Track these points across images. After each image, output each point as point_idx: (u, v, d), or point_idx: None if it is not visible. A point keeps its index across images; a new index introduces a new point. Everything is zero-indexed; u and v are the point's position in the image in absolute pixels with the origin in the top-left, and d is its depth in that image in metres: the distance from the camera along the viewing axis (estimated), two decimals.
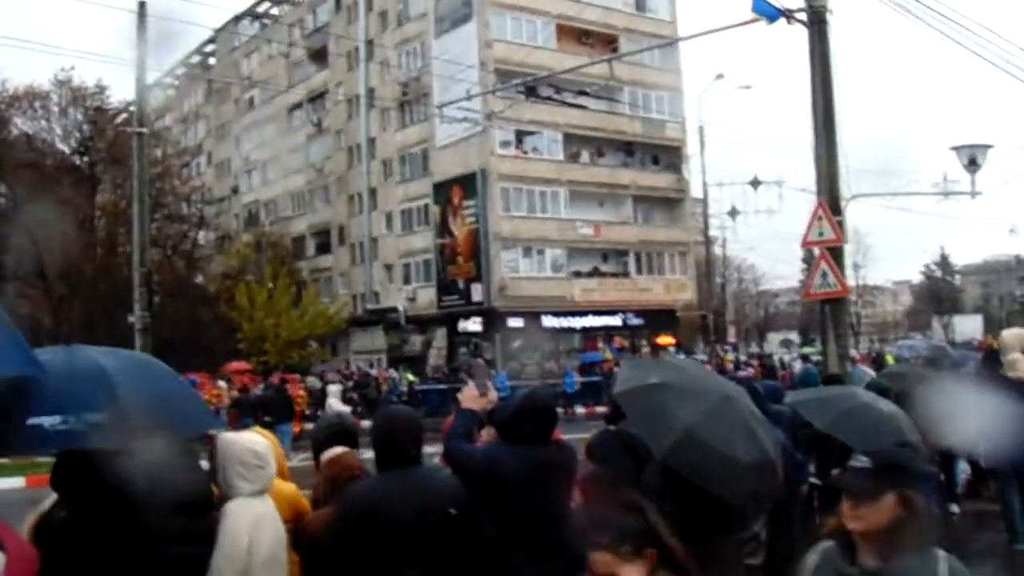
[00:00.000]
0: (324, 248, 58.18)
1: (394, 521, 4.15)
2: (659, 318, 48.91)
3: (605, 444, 5.83)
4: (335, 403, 18.45)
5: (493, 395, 5.17)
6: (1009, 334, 9.50)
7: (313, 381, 34.33)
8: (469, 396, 5.02)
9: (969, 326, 68.00)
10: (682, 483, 4.28)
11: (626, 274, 49.85)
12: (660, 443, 4.44)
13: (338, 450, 5.01)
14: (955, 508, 10.77)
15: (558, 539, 4.64)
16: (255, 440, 4.39)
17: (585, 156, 49.68)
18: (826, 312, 13.35)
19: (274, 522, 4.33)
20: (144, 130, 21.77)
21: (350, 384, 36.58)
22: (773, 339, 62.56)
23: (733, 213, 49.34)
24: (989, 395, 5.96)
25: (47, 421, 3.42)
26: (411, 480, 4.32)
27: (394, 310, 49.97)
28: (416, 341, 48.64)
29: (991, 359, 10.62)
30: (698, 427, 4.45)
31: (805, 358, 31.40)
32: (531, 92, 42.51)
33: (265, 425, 12.07)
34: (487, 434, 5.48)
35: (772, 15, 13.60)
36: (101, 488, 3.47)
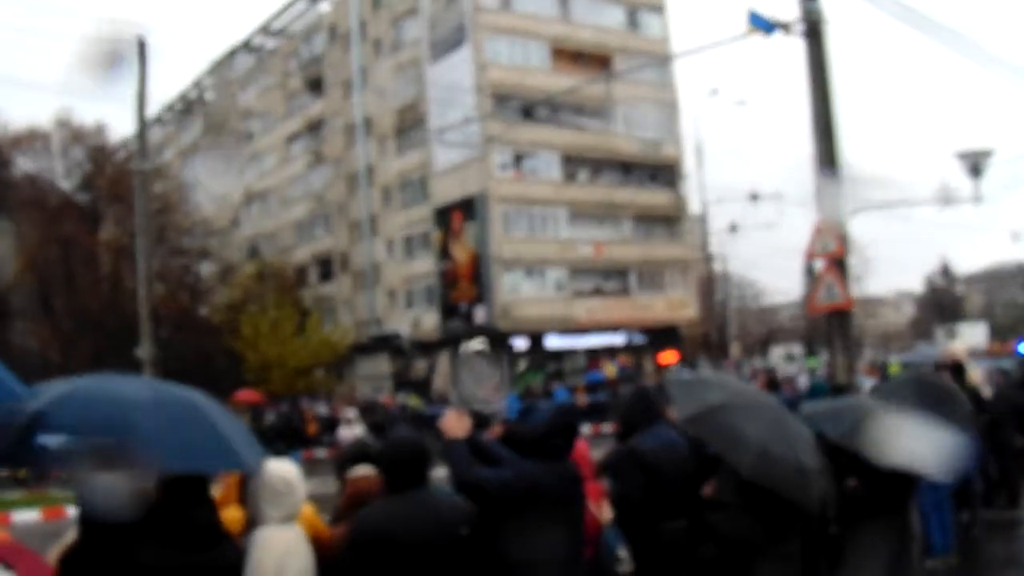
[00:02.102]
0: (326, 276, 58.28)
1: (405, 543, 4.23)
2: (662, 335, 48.93)
3: (620, 461, 5.88)
4: (351, 429, 18.51)
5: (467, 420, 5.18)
6: (964, 347, 9.59)
7: (321, 408, 34.45)
8: (453, 425, 5.01)
9: (975, 334, 67.81)
10: (759, 495, 4.62)
11: (628, 292, 49.92)
12: (741, 461, 4.76)
13: (363, 470, 5.07)
14: (966, 516, 10.82)
15: (582, 553, 4.74)
16: (284, 468, 4.45)
17: (583, 176, 49.82)
18: (832, 324, 13.43)
19: (303, 551, 4.39)
20: (147, 167, 21.90)
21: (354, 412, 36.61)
22: (775, 352, 62.54)
23: (732, 229, 49.47)
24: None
25: (53, 440, 3.43)
26: (420, 502, 4.40)
27: (397, 336, 50.03)
28: (421, 366, 48.68)
29: (958, 372, 10.71)
30: (770, 443, 4.79)
31: (811, 371, 31.42)
32: (528, 114, 42.73)
33: (277, 453, 12.12)
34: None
35: (768, 28, 13.71)
36: (113, 522, 3.50)
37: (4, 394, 3.32)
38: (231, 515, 4.48)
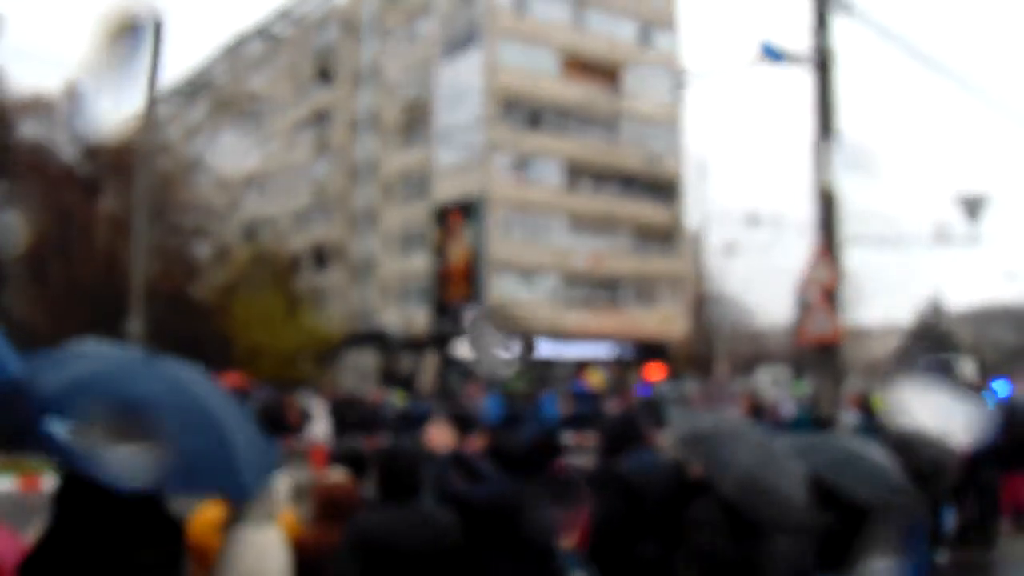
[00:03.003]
0: (321, 265, 58.29)
1: (405, 553, 4.29)
2: (650, 350, 48.99)
3: (603, 483, 5.94)
4: (316, 425, 17.82)
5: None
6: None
7: (307, 398, 34.31)
8: (438, 437, 5.02)
9: (964, 369, 67.67)
10: (742, 519, 4.78)
11: (619, 305, 49.99)
12: (725, 483, 4.92)
13: (337, 476, 5.05)
14: (943, 557, 10.86)
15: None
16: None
17: (584, 186, 49.91)
18: (820, 355, 13.51)
19: (280, 553, 4.41)
20: (151, 142, 21.91)
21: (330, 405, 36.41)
22: (762, 374, 62.36)
23: (729, 250, 49.56)
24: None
25: (62, 428, 3.27)
26: (417, 512, 4.47)
27: (388, 330, 50.09)
28: (408, 362, 48.71)
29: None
30: (756, 468, 4.94)
31: (797, 399, 31.40)
32: (533, 121, 42.78)
33: None
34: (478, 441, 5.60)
35: (778, 58, 13.83)
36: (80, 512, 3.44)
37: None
38: (209, 515, 4.47)
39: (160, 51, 20.57)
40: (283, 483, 4.62)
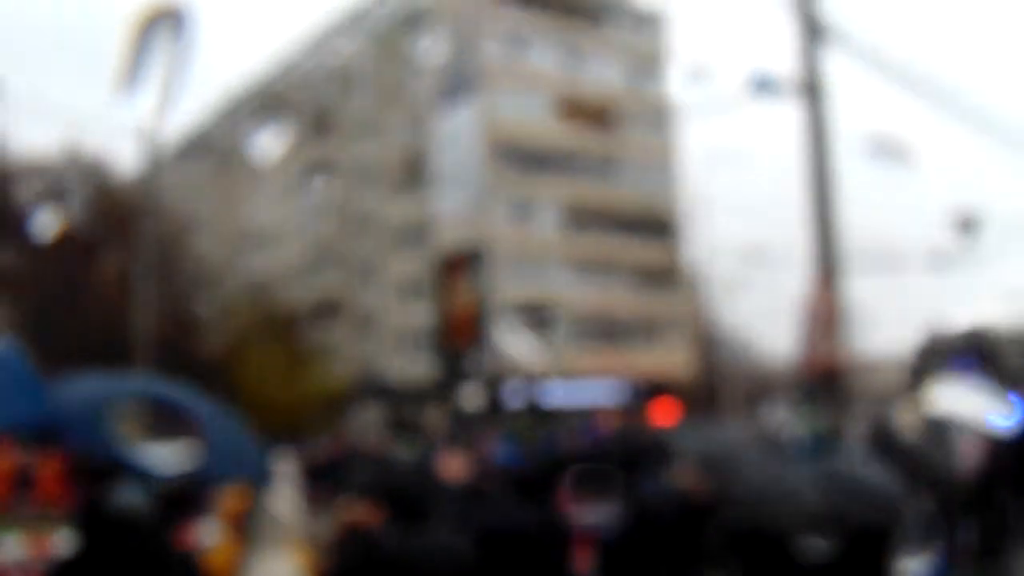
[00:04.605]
0: (324, 319, 58.31)
1: None
2: (657, 390, 48.91)
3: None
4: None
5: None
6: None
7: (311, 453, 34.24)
8: (454, 467, 5.04)
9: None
10: (751, 541, 4.71)
11: (624, 346, 49.98)
12: (735, 506, 4.91)
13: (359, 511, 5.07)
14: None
15: None
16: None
17: (583, 229, 50.07)
18: (824, 384, 13.53)
19: None
20: (150, 209, 22.02)
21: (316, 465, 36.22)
22: (765, 406, 62.17)
23: (731, 288, 49.60)
24: None
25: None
26: (431, 538, 4.43)
27: (393, 381, 50.05)
28: (416, 412, 48.62)
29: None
30: (765, 487, 4.93)
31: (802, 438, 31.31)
32: (531, 166, 43.02)
33: None
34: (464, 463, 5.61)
35: (771, 91, 13.96)
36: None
37: (29, 400, 3.39)
38: (224, 547, 4.53)
39: (161, 112, 20.67)
40: (303, 520, 4.66)
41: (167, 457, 3.41)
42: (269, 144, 62.48)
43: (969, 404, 5.58)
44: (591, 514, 5.34)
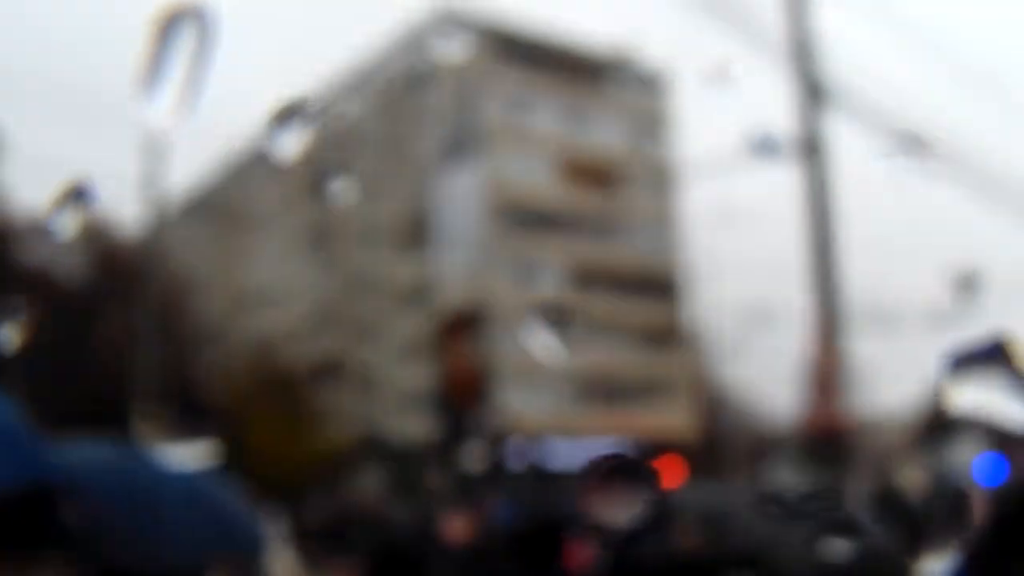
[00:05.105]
0: (326, 379, 58.20)
1: None
2: (659, 450, 48.72)
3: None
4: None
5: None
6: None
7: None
8: (457, 529, 5.02)
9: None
10: None
11: (626, 406, 49.88)
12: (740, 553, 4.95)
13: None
14: None
15: None
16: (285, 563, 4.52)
17: (585, 289, 50.16)
18: (825, 444, 13.48)
19: None
20: (153, 267, 22.10)
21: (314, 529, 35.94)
22: (767, 466, 61.82)
23: (733, 349, 49.54)
24: None
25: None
26: None
27: (395, 441, 49.85)
28: (416, 473, 48.39)
29: None
30: (766, 535, 4.97)
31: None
32: (532, 227, 43.18)
33: None
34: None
35: (771, 151, 14.05)
36: None
37: (24, 460, 3.33)
38: None
39: (161, 172, 20.88)
40: (292, 566, 4.65)
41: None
42: (271, 204, 62.74)
43: (990, 402, 5.53)
44: (617, 512, 5.31)
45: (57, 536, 3.35)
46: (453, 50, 49.21)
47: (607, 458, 5.14)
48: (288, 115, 2.02)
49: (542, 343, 2.47)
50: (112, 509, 3.40)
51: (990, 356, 1.72)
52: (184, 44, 1.67)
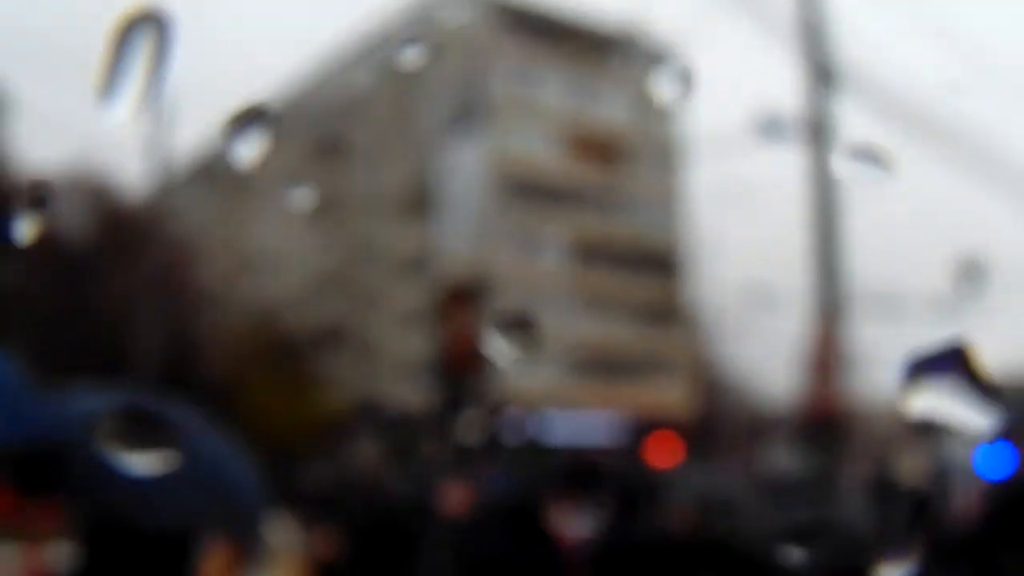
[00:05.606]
0: (325, 346, 58.27)
1: None
2: (655, 427, 48.81)
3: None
4: None
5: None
6: None
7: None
8: (455, 501, 5.03)
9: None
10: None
11: (623, 381, 49.94)
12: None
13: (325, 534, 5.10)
14: None
15: None
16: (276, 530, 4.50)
17: (586, 264, 50.16)
18: (823, 428, 13.49)
19: None
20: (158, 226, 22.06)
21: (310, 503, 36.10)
22: (764, 448, 61.98)
23: (733, 329, 49.56)
24: None
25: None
26: None
27: (391, 410, 49.94)
28: (412, 442, 48.50)
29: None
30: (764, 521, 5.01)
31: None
32: (536, 200, 43.09)
33: None
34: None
35: (778, 133, 14.02)
36: None
37: (19, 415, 3.32)
38: (216, 560, 4.47)
39: (170, 134, 20.82)
40: (286, 530, 4.64)
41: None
42: (275, 170, 62.63)
43: (948, 409, 5.51)
44: (578, 518, 5.33)
45: (55, 488, 3.36)
46: (460, 21, 49.09)
47: (566, 469, 5.14)
48: (246, 121, 1.99)
49: (501, 353, 2.43)
50: (111, 462, 3.38)
51: (947, 362, 1.71)
52: (142, 49, 1.67)
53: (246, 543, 4.34)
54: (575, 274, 49.45)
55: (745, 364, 64.95)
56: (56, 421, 3.44)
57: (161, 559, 3.61)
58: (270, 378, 46.93)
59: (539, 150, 49.49)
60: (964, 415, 1.77)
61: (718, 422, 51.30)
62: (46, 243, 45.49)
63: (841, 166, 2.13)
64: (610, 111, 51.99)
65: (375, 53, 56.06)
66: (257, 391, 45.58)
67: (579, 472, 5.20)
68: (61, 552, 3.69)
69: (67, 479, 3.34)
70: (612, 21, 51.14)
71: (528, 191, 48.28)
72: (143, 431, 2.96)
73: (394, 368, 52.65)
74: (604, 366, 50.01)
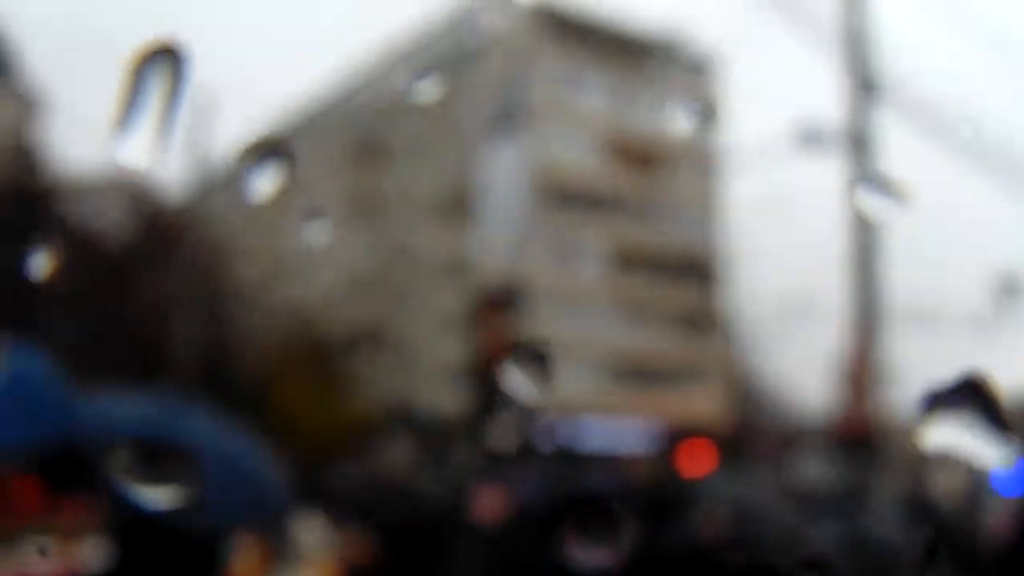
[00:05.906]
0: (360, 349, 58.39)
1: None
2: (689, 435, 48.63)
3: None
4: None
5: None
6: None
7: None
8: (488, 507, 5.03)
9: None
10: None
11: (659, 389, 49.78)
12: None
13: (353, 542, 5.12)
14: None
15: None
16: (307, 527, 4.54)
17: (624, 271, 50.06)
18: (858, 443, 13.39)
19: None
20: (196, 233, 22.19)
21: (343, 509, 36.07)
22: (797, 459, 61.58)
23: (769, 339, 49.36)
24: None
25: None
26: None
27: (425, 414, 50.00)
28: (446, 447, 48.55)
29: None
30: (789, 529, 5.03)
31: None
32: (575, 207, 43.02)
33: None
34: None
35: (818, 142, 13.97)
36: None
37: (53, 418, 3.36)
38: (249, 557, 4.50)
39: (209, 140, 20.95)
40: (319, 530, 4.68)
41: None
42: (315, 172, 62.88)
43: (963, 442, 5.47)
44: (588, 557, 5.30)
45: (85, 486, 3.41)
46: (502, 25, 49.14)
47: (581, 503, 5.18)
48: (262, 154, 1.99)
49: (519, 385, 2.43)
50: None
51: (963, 395, 1.71)
52: (158, 84, 1.69)
53: (275, 542, 4.39)
54: (613, 281, 49.41)
55: (781, 373, 64.56)
56: (86, 421, 3.49)
57: (192, 557, 3.65)
58: (305, 380, 47.07)
59: (579, 155, 49.47)
60: (978, 447, 1.77)
61: (752, 432, 51.03)
62: (87, 243, 45.94)
63: (857, 199, 2.12)
64: (651, 117, 51.88)
65: (418, 56, 56.22)
66: (292, 393, 45.74)
67: (591, 514, 5.21)
68: (94, 548, 3.73)
69: (96, 477, 3.39)
70: (654, 28, 51.18)
71: (567, 196, 48.27)
72: (158, 464, 3.00)
73: (430, 372, 52.70)
74: (640, 374, 49.90)
